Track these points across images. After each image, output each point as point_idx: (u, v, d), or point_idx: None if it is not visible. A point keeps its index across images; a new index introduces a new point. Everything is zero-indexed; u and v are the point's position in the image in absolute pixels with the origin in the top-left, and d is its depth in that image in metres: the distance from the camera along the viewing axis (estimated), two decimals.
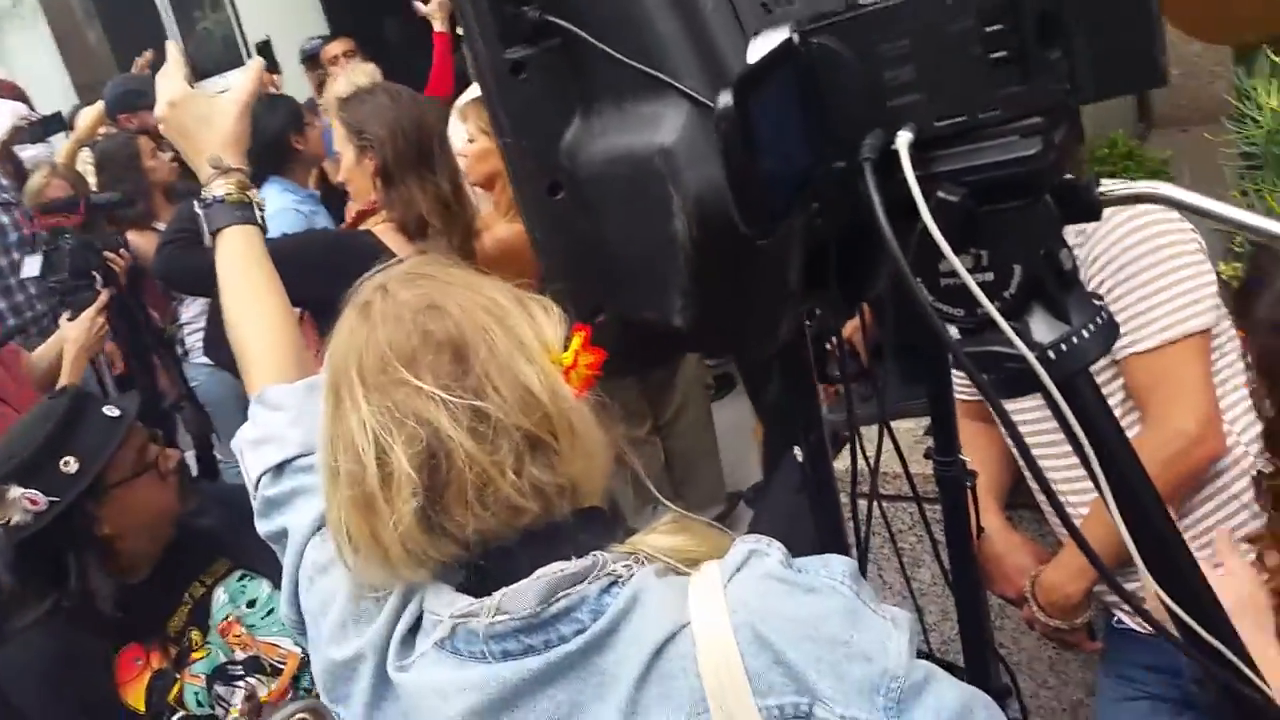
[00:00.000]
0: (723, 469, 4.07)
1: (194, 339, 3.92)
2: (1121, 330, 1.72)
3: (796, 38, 0.84)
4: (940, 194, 0.78)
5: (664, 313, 0.99)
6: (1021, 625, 2.13)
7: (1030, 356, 0.76)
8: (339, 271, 2.21)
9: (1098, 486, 0.78)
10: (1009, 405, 1.98)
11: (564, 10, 0.99)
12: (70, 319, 3.13)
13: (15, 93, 6.23)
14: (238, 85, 1.24)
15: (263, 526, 1.12)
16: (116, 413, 1.87)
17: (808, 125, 0.84)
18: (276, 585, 1.90)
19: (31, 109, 5.69)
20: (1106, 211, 1.76)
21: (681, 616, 0.89)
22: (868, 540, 1.49)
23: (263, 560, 1.90)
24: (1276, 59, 2.54)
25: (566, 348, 0.96)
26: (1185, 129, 3.08)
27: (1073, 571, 1.82)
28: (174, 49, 1.23)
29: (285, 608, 1.10)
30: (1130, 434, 1.78)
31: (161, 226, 4.02)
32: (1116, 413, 1.78)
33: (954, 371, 1.56)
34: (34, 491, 1.75)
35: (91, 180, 4.12)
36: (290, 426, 1.11)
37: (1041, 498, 1.89)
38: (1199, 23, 2.34)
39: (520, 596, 0.90)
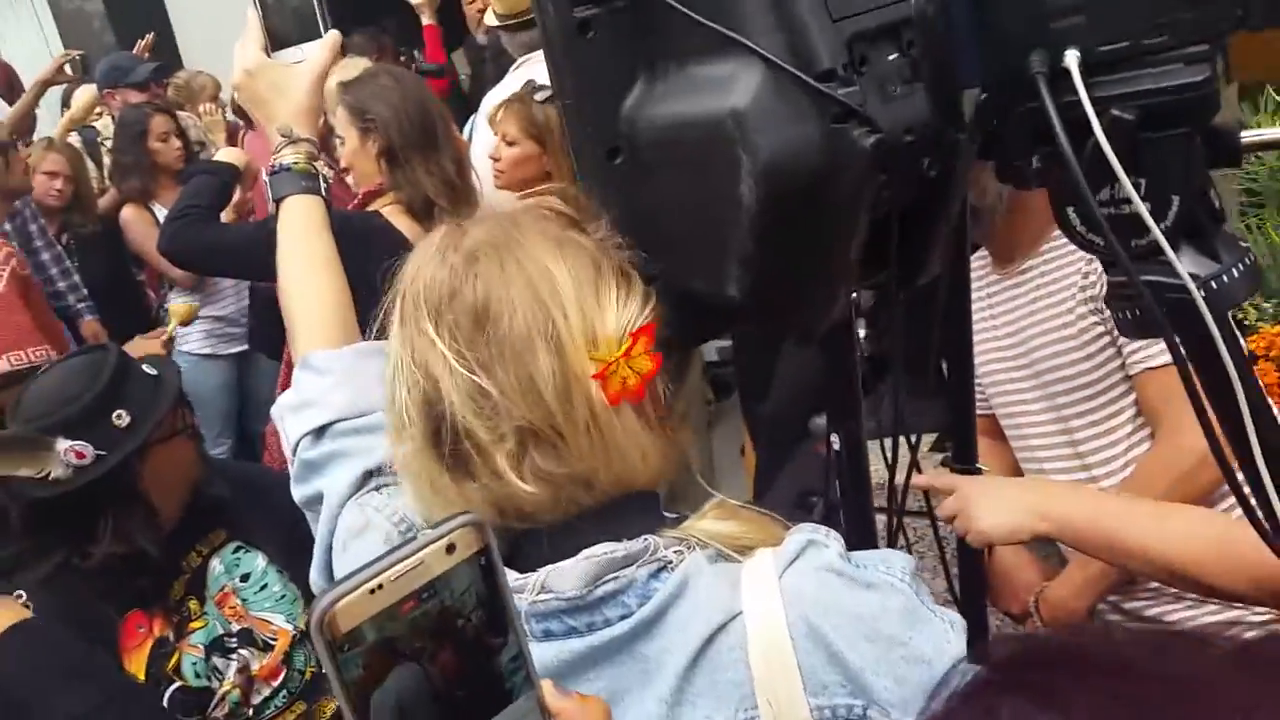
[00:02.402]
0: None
1: (184, 329, 3.87)
2: (1136, 345, 1.74)
3: None
4: (1115, 112, 0.76)
5: (719, 281, 0.98)
6: None
7: (1193, 286, 0.75)
8: (347, 252, 2.20)
9: (1243, 434, 0.78)
10: (1012, 407, 1.99)
11: None
12: None
13: (6, 72, 6.18)
14: (313, 57, 1.24)
15: (299, 491, 1.09)
16: (154, 372, 1.82)
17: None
18: (271, 560, 1.87)
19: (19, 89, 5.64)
20: None
21: (733, 605, 0.86)
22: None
23: (259, 534, 1.88)
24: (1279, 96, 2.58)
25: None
26: None
27: (1078, 587, 1.83)
28: (252, 17, 1.22)
29: (317, 575, 1.06)
30: (1141, 449, 1.81)
31: (158, 208, 3.99)
32: (1128, 428, 1.80)
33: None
34: (82, 444, 1.68)
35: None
36: (333, 390, 1.09)
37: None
38: None
39: (566, 576, 0.87)
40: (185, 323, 3.32)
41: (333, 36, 1.25)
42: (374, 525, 0.99)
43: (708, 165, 0.95)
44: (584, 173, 1.10)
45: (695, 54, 0.98)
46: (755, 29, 0.91)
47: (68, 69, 4.92)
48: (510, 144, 2.70)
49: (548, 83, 2.70)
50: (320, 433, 1.07)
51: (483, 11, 4.16)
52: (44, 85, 4.93)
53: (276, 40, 1.23)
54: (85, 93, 4.59)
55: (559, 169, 2.63)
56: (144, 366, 1.82)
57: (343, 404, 1.08)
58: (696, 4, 0.94)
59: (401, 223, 2.31)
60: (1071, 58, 0.77)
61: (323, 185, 1.23)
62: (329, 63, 1.25)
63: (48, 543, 1.71)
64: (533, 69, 3.01)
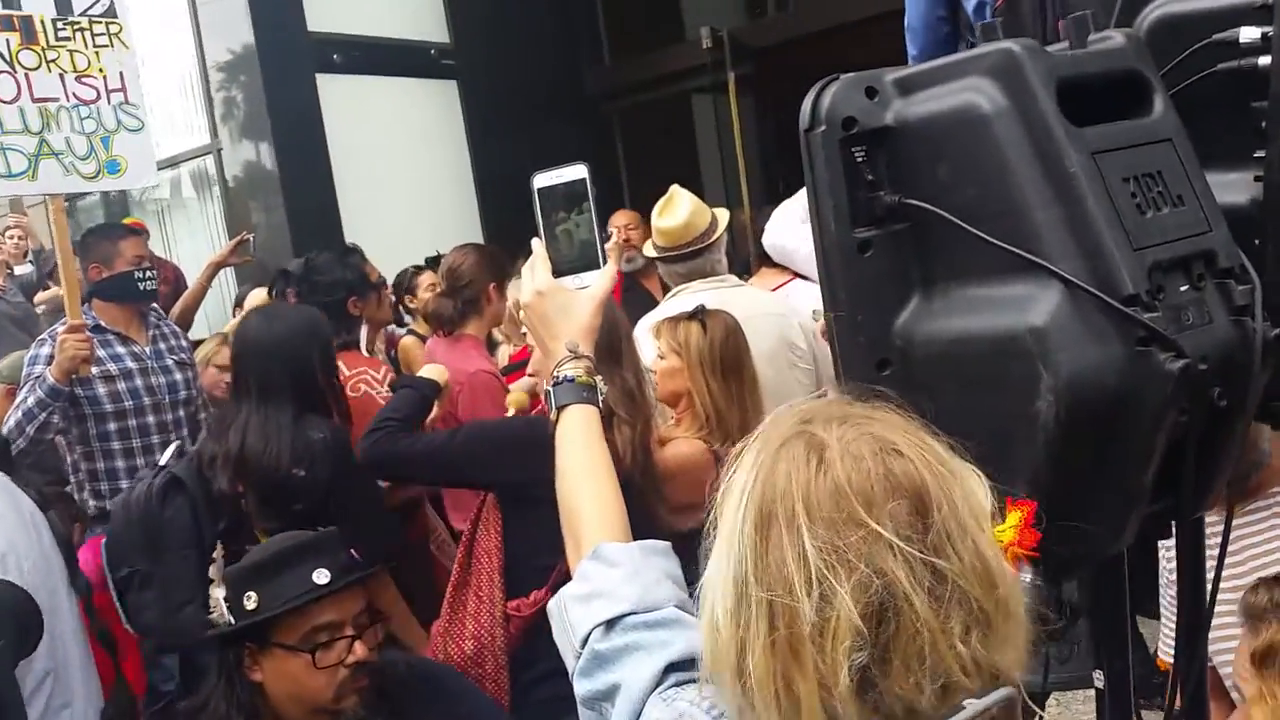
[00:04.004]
0: None
1: None
2: None
3: None
4: None
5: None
6: None
7: None
8: (534, 455, 2.20)
9: None
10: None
11: (920, 195, 1.04)
12: None
13: (175, 275, 6.65)
14: (597, 284, 1.34)
15: (584, 685, 1.06)
16: (324, 579, 1.84)
17: None
18: None
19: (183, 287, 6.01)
20: None
21: None
22: None
23: None
24: None
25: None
26: None
27: None
28: (538, 246, 1.35)
29: None
30: None
31: None
32: None
33: None
34: (224, 606, 1.83)
35: None
36: (624, 583, 1.08)
37: None
38: None
39: None
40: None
41: (611, 269, 1.34)
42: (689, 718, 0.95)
43: (1000, 380, 0.97)
44: (850, 384, 1.13)
45: (979, 275, 1.02)
46: (1055, 254, 0.94)
47: (239, 253, 5.18)
48: (661, 358, 2.79)
49: (707, 305, 2.82)
50: (611, 624, 1.06)
51: (628, 241, 4.39)
52: (217, 267, 5.15)
53: (558, 268, 1.34)
54: (258, 296, 4.85)
55: (694, 383, 2.69)
56: (318, 571, 1.83)
57: (634, 597, 1.06)
58: (991, 229, 0.98)
59: None
60: None
61: (600, 396, 1.29)
62: (609, 289, 1.34)
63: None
64: (689, 298, 3.13)
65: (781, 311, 3.13)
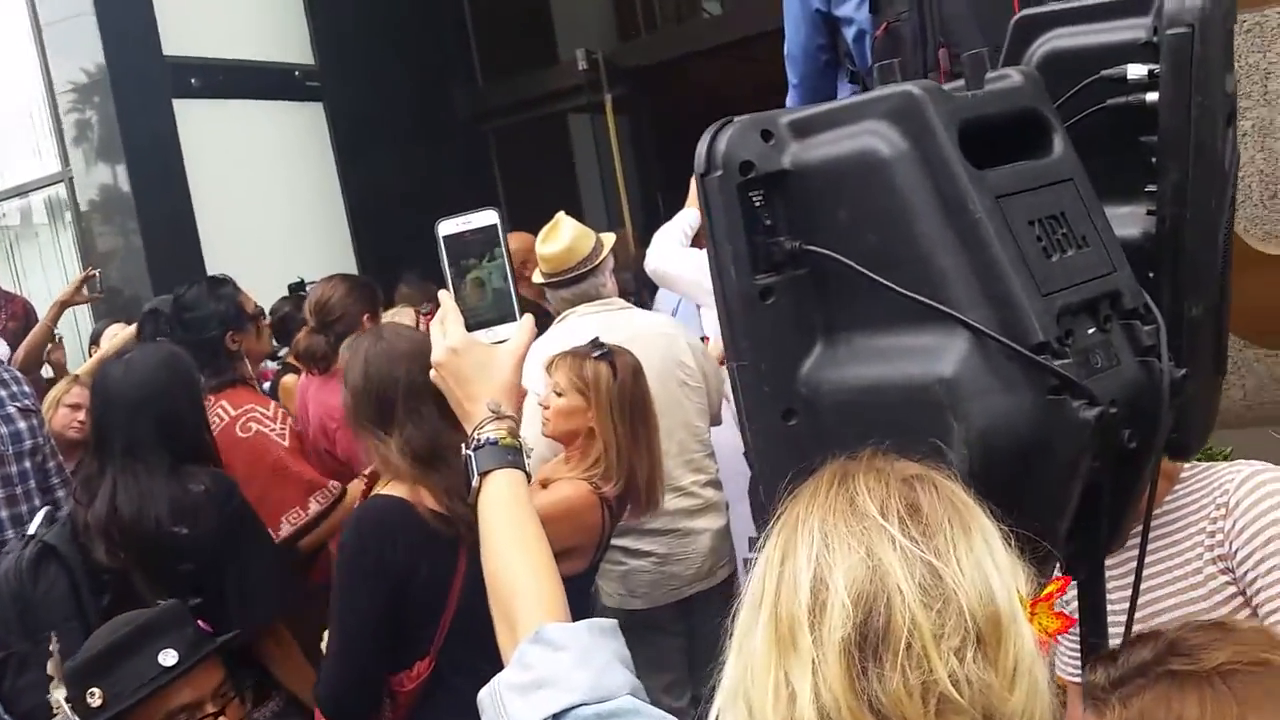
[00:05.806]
0: None
1: None
2: (1276, 605, 1.67)
3: None
4: None
5: None
6: None
7: None
8: (381, 551, 2.01)
9: None
10: None
11: (821, 241, 1.00)
12: None
13: (25, 310, 6.26)
14: (515, 339, 1.24)
15: None
16: (172, 659, 1.71)
17: None
18: None
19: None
20: (1245, 486, 1.75)
21: None
22: None
23: None
24: None
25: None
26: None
27: None
28: (447, 299, 1.24)
29: None
30: None
31: None
32: None
33: None
34: (67, 709, 1.68)
35: None
36: (573, 669, 0.97)
37: None
38: None
39: None
40: None
41: (529, 320, 1.25)
42: None
43: (910, 431, 0.93)
44: (756, 433, 1.08)
45: (883, 323, 0.98)
46: (962, 302, 0.92)
47: (85, 290, 4.91)
48: (559, 394, 2.69)
49: (606, 340, 2.75)
50: (559, 718, 0.95)
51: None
52: (63, 306, 4.86)
53: (470, 322, 1.24)
54: (124, 333, 4.58)
55: (601, 427, 2.60)
56: (163, 653, 1.70)
57: (585, 686, 0.96)
58: (894, 276, 0.95)
59: (399, 490, 2.15)
60: None
61: (526, 459, 1.20)
62: (528, 344, 1.25)
63: None
64: (576, 321, 3.09)
65: (669, 331, 3.13)
